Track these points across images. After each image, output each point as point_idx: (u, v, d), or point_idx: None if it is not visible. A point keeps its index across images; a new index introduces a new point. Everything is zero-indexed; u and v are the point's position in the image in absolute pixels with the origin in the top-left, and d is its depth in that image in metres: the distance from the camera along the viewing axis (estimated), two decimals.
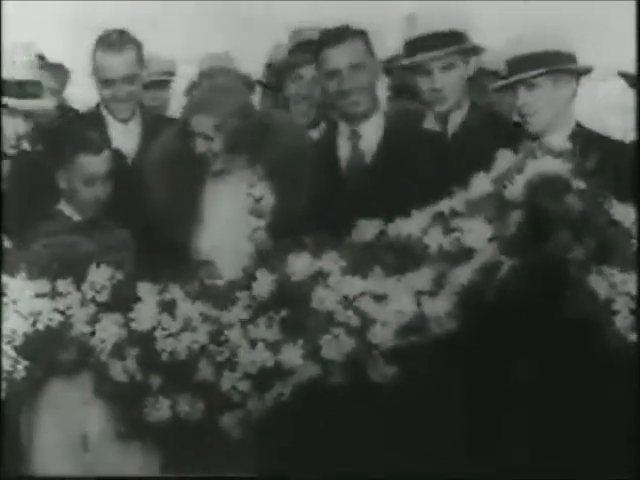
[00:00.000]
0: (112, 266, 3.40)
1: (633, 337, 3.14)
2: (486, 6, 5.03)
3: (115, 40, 4.24)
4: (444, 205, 3.28)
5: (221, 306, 3.34)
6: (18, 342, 3.32)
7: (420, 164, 3.84)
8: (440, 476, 3.30)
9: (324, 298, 3.27)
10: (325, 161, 3.92)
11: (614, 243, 3.17)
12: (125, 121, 4.29)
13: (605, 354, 3.16)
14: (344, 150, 4.00)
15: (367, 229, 3.35)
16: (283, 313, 3.29)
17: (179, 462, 3.38)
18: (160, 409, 3.31)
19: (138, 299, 3.36)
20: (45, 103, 3.97)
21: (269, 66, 4.78)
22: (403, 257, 3.28)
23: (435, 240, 3.24)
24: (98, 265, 3.39)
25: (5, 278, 3.37)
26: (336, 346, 3.24)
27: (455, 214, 3.25)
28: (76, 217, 3.87)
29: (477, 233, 3.21)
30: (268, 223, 3.72)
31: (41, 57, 4.65)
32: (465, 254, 3.21)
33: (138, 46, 4.29)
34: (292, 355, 3.25)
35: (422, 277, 3.24)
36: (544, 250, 3.16)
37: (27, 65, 3.88)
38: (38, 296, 3.36)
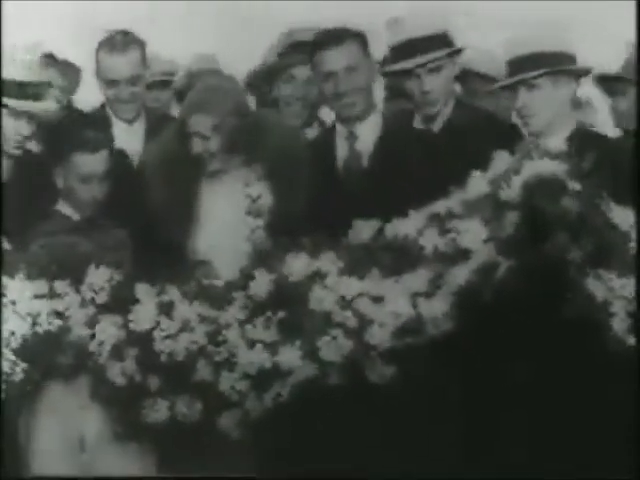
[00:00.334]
0: (111, 267, 3.40)
1: (631, 340, 3.13)
2: (486, 6, 5.04)
3: (119, 41, 4.24)
4: (440, 206, 3.28)
5: (219, 306, 3.34)
6: (16, 344, 3.33)
7: (415, 164, 3.84)
8: (438, 477, 3.30)
9: (322, 299, 3.27)
10: (322, 162, 3.92)
11: (612, 246, 3.16)
12: (130, 122, 4.29)
13: (603, 354, 3.15)
14: (341, 151, 4.00)
15: (364, 229, 3.35)
16: (281, 314, 3.30)
17: (177, 462, 3.39)
18: (158, 410, 3.31)
19: (136, 300, 3.36)
20: (48, 105, 3.96)
21: (261, 67, 4.77)
22: (400, 258, 3.28)
23: (431, 241, 3.24)
24: (97, 266, 3.39)
25: (4, 279, 3.37)
26: (334, 347, 3.24)
27: (451, 215, 3.25)
28: (74, 217, 3.87)
29: (473, 234, 3.20)
30: (266, 223, 3.72)
31: (50, 56, 4.67)
32: (461, 255, 3.21)
33: (142, 47, 4.29)
34: (290, 356, 3.26)
35: (419, 278, 3.24)
36: (541, 251, 3.16)
37: (27, 65, 3.87)
38: (37, 297, 3.37)
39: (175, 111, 4.81)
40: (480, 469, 3.27)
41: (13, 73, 3.80)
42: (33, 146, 4.25)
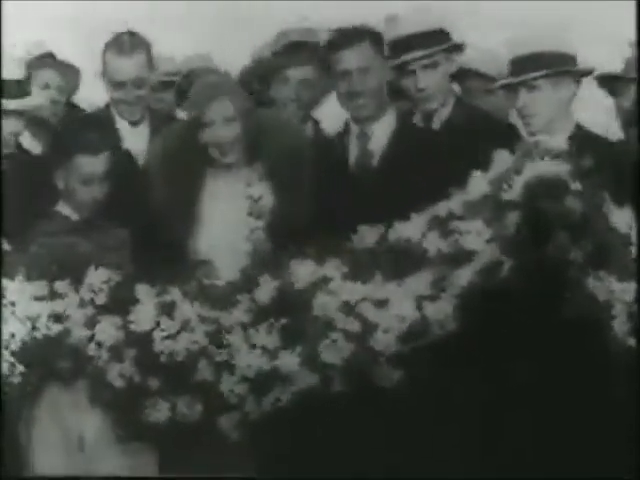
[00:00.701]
0: (110, 268, 3.40)
1: (631, 342, 3.13)
2: (487, 6, 5.04)
3: (126, 42, 4.22)
4: (442, 207, 3.27)
5: (220, 307, 3.34)
6: (16, 347, 3.33)
7: (425, 164, 3.84)
8: (439, 477, 3.30)
9: (326, 304, 3.26)
10: (334, 162, 3.94)
11: (612, 248, 3.16)
12: (135, 123, 4.28)
13: (605, 355, 3.15)
14: (354, 150, 4.01)
15: (368, 234, 3.34)
16: (284, 321, 3.29)
17: (177, 463, 3.38)
18: (159, 411, 3.31)
19: (136, 301, 3.36)
20: (35, 100, 3.96)
21: (254, 64, 4.75)
22: (403, 261, 3.27)
23: (434, 243, 3.24)
24: (96, 267, 3.39)
25: (4, 281, 3.37)
26: (334, 350, 3.24)
27: (453, 216, 3.25)
28: (74, 217, 3.86)
29: (476, 235, 3.20)
30: (267, 224, 3.72)
31: (51, 55, 4.67)
32: (464, 256, 3.21)
33: (148, 48, 4.26)
34: (289, 361, 3.25)
35: (422, 281, 3.24)
36: (543, 251, 3.15)
37: (10, 63, 3.89)
38: (36, 299, 3.37)
39: (178, 112, 4.80)
40: (486, 470, 3.26)
41: None
42: (28, 144, 4.28)
